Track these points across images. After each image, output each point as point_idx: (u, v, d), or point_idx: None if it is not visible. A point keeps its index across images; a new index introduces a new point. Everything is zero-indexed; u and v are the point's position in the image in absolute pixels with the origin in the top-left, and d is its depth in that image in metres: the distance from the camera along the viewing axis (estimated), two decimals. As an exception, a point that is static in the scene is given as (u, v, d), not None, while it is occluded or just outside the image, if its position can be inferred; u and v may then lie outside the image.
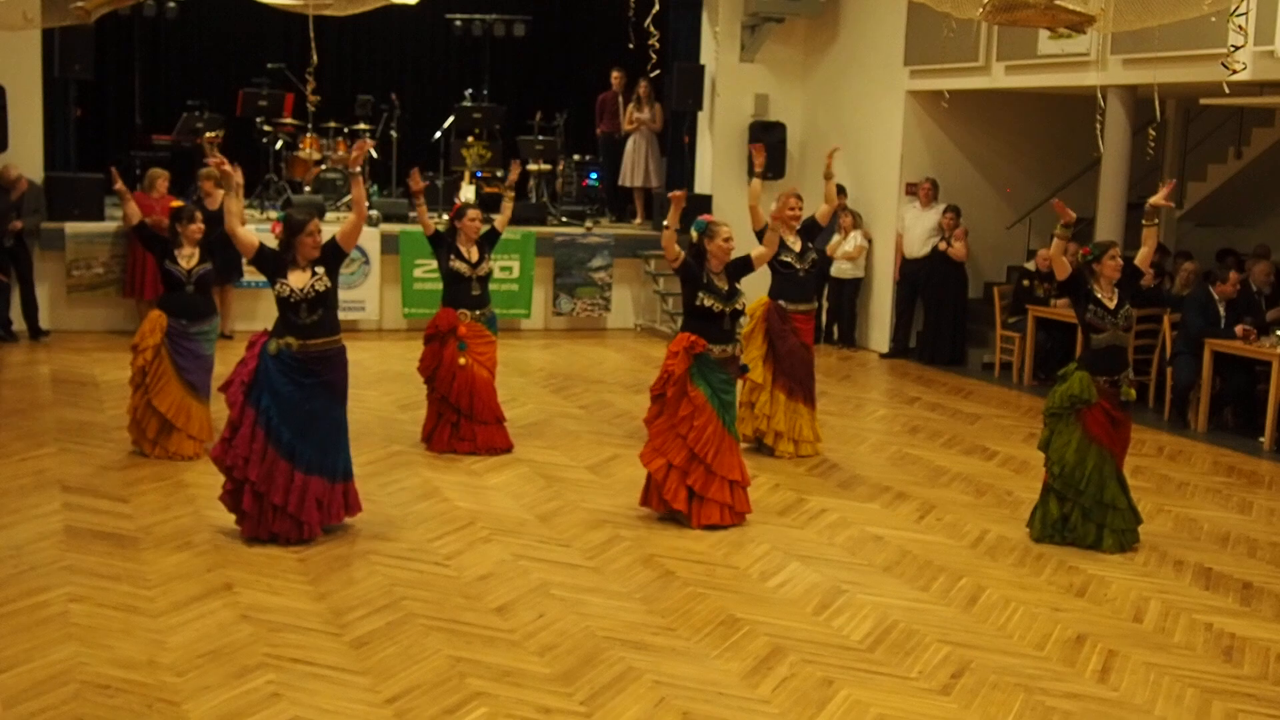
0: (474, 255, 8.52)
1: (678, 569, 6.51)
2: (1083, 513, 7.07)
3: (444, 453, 8.50)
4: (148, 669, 5.05)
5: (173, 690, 4.88)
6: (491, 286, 8.83)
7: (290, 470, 6.53)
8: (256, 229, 12.50)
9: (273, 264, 6.63)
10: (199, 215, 8.37)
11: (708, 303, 7.19)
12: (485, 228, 8.69)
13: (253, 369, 6.55)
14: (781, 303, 8.77)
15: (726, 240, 7.27)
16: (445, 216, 13.40)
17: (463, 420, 8.52)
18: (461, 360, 8.36)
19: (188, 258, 8.24)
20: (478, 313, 8.54)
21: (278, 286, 6.56)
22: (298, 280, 6.57)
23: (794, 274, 8.75)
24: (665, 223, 7.24)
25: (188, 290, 8.21)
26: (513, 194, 9.02)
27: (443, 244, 8.52)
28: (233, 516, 6.68)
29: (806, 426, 8.88)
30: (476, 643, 5.46)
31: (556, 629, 5.66)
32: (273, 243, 6.76)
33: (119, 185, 8.70)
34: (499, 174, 15.08)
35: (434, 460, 8.38)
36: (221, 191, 11.51)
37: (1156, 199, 7.29)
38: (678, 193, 7.36)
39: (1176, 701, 5.23)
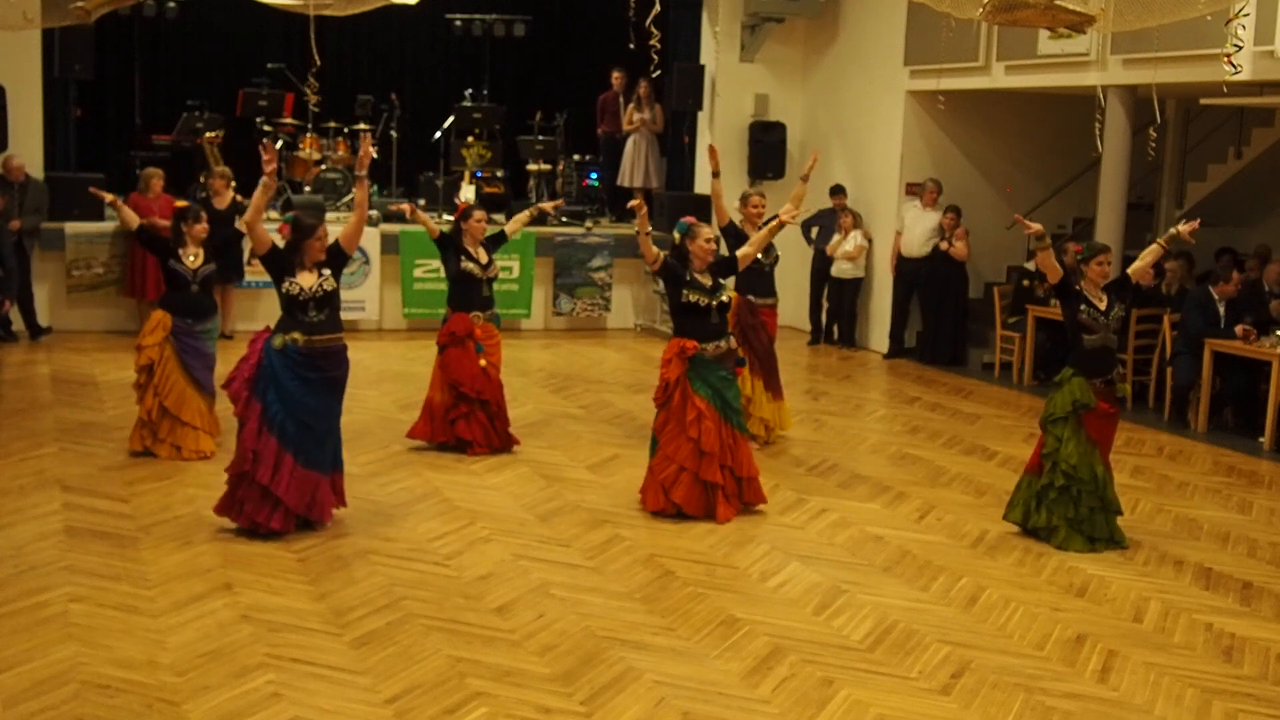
0: (483, 257, 8.53)
1: (678, 569, 6.51)
2: (1089, 510, 7.11)
3: (450, 447, 8.50)
4: (148, 669, 5.05)
5: (173, 690, 4.88)
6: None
7: (292, 464, 6.59)
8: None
9: (282, 264, 6.69)
10: (204, 215, 8.32)
11: (693, 298, 7.23)
12: (491, 229, 8.69)
13: (255, 364, 6.59)
14: (750, 297, 8.95)
15: (708, 241, 7.34)
16: (448, 217, 13.49)
17: (495, 419, 8.58)
18: (482, 363, 8.41)
19: (192, 257, 8.19)
20: (487, 314, 8.58)
21: (286, 285, 6.62)
22: (306, 280, 6.67)
23: (760, 269, 8.85)
24: (636, 229, 7.29)
25: (192, 290, 8.19)
26: (536, 213, 9.20)
27: (450, 246, 8.50)
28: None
29: (776, 414, 9.19)
30: (476, 643, 5.46)
31: (556, 629, 5.66)
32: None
33: (109, 199, 8.66)
34: (499, 174, 15.08)
35: (434, 460, 8.37)
36: (231, 191, 11.56)
37: (1184, 231, 7.10)
38: (637, 200, 7.40)
39: (1176, 701, 5.23)
